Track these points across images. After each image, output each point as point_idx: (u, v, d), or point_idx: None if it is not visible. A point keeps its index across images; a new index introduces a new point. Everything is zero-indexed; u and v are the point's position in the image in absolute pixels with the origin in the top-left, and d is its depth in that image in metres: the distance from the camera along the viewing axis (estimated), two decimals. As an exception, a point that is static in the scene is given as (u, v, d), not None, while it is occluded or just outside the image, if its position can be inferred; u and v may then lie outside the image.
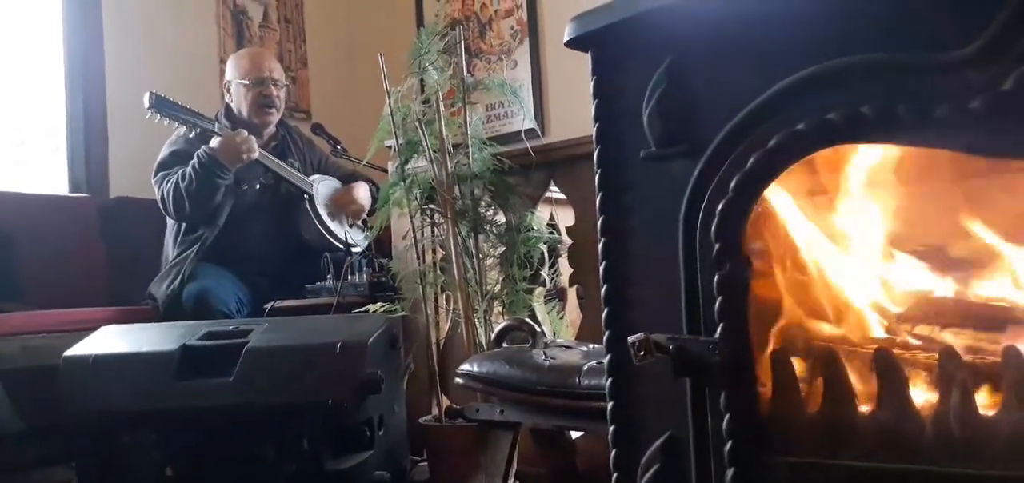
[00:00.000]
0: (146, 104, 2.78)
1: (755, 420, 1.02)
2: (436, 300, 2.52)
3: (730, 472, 1.01)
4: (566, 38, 1.16)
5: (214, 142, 2.86)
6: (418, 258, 2.46)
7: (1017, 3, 0.85)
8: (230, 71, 3.16)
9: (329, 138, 3.50)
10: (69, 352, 2.08)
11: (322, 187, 3.18)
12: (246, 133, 2.91)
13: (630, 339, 1.04)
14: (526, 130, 2.59)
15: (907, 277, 1.13)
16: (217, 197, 2.87)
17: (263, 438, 1.97)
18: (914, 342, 1.10)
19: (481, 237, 2.39)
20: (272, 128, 3.18)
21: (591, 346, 1.77)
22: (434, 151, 2.38)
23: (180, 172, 2.87)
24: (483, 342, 2.33)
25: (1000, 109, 0.86)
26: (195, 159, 2.83)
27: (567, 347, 1.77)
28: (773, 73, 0.99)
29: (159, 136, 2.99)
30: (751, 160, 0.99)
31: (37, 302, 2.76)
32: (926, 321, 1.11)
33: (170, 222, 3.01)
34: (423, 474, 2.38)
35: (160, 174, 2.95)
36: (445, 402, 2.36)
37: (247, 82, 3.07)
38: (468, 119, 2.41)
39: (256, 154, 2.92)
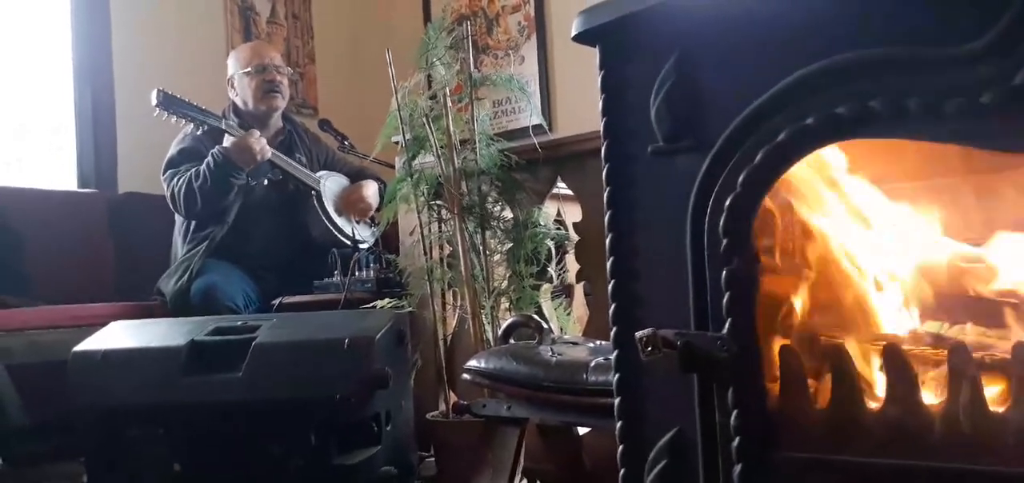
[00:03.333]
0: (154, 102, 2.79)
1: (763, 416, 1.01)
2: (443, 296, 2.52)
3: (738, 468, 1.00)
4: (574, 32, 1.15)
5: (227, 142, 2.87)
6: (425, 254, 2.46)
7: (1028, -4, 0.85)
8: (232, 65, 3.16)
9: (336, 134, 3.50)
10: (78, 347, 2.08)
11: (330, 184, 3.18)
12: (258, 133, 2.92)
13: (637, 335, 1.04)
14: (533, 126, 2.59)
15: (917, 272, 1.13)
16: (230, 196, 2.89)
17: (270, 433, 1.97)
18: (923, 338, 1.09)
19: (488, 233, 2.39)
20: (278, 123, 3.18)
21: (598, 342, 1.77)
22: (441, 147, 2.38)
23: (193, 171, 2.87)
24: (490, 338, 2.33)
25: (1011, 103, 0.85)
26: (210, 158, 2.84)
27: (574, 343, 1.77)
28: (782, 67, 0.98)
29: (168, 131, 3.00)
30: (759, 155, 0.99)
31: (46, 297, 2.77)
32: (935, 317, 1.10)
33: (179, 218, 3.02)
34: (430, 469, 2.38)
35: (169, 171, 2.96)
36: (452, 398, 2.37)
37: (250, 70, 3.08)
38: (475, 115, 2.41)
39: (269, 154, 2.94)
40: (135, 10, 3.70)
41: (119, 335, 2.15)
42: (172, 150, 2.99)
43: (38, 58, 3.60)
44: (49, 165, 3.62)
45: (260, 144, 2.89)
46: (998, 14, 0.86)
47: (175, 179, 2.91)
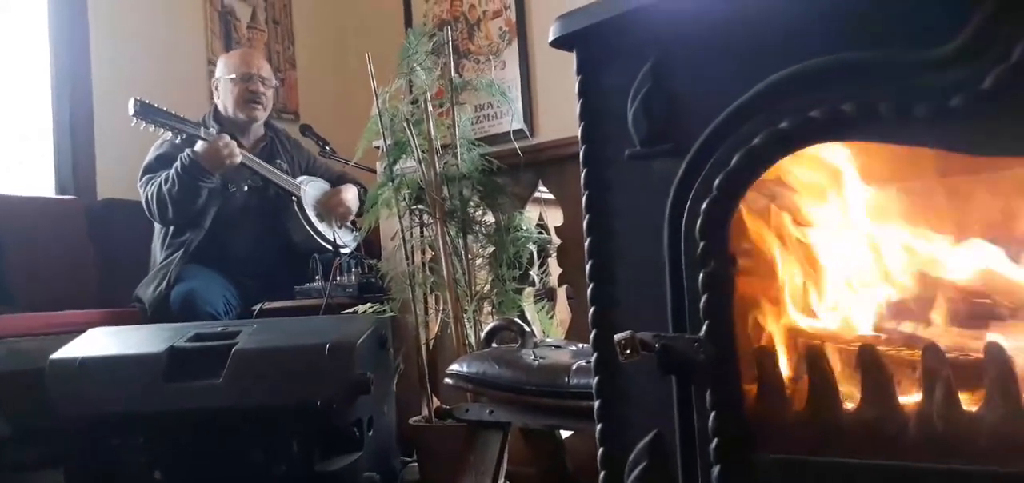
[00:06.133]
0: (131, 111, 2.76)
1: (740, 418, 1.02)
2: (425, 300, 2.52)
3: (716, 469, 1.01)
4: (551, 38, 1.16)
5: (198, 146, 2.85)
6: (407, 259, 2.46)
7: (996, 2, 0.86)
8: (219, 69, 3.16)
9: (317, 139, 3.49)
10: (55, 355, 2.06)
11: (310, 189, 3.17)
12: (228, 138, 2.89)
13: (616, 338, 1.04)
14: (515, 131, 2.59)
15: (890, 274, 1.14)
16: (199, 201, 2.86)
17: (252, 440, 1.97)
18: (898, 339, 1.10)
19: (470, 237, 2.39)
20: (260, 130, 3.17)
21: (580, 345, 1.77)
22: (422, 152, 2.38)
23: (163, 176, 2.86)
24: (472, 342, 2.33)
25: (980, 107, 0.86)
26: (178, 162, 2.82)
27: (556, 346, 1.77)
28: (756, 72, 0.99)
29: (147, 138, 2.97)
30: (735, 158, 1.00)
31: (24, 304, 2.75)
32: (909, 318, 1.11)
33: (157, 224, 3.00)
34: (413, 475, 2.38)
35: (145, 177, 2.94)
36: (435, 402, 2.36)
37: (234, 77, 3.07)
38: (456, 120, 2.41)
39: (239, 160, 2.90)
40: (114, 15, 3.67)
41: (97, 342, 2.13)
42: (149, 156, 2.98)
43: (17, 64, 3.56)
44: (31, 172, 3.58)
45: (229, 148, 2.86)
46: (967, 18, 0.87)
47: (149, 184, 2.89)
